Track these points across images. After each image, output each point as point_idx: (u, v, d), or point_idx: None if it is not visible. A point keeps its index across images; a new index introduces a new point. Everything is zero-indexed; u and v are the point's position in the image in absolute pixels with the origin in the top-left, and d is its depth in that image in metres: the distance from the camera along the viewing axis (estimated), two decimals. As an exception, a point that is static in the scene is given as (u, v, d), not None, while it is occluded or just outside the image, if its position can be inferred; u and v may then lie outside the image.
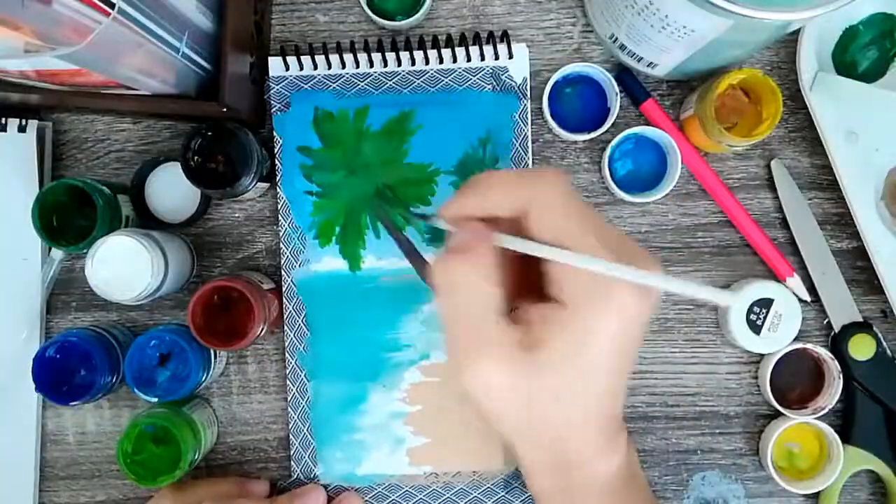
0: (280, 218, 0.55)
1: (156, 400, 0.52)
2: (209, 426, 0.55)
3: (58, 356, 0.52)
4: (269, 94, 0.55)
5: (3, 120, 0.55)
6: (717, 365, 0.56)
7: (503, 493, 0.55)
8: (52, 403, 0.56)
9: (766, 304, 0.53)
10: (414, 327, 0.55)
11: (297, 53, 0.55)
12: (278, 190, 0.55)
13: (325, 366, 0.55)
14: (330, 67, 0.55)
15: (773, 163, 0.55)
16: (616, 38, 0.52)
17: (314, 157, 0.55)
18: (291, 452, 0.56)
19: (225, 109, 0.49)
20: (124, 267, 0.49)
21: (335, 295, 0.55)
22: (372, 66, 0.55)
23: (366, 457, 0.55)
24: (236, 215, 0.57)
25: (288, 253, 0.55)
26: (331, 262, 0.55)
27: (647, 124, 0.54)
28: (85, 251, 0.51)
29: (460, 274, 0.36)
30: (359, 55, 0.55)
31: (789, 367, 0.54)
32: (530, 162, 0.55)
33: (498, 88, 0.55)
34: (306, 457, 0.55)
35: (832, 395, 0.53)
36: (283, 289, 0.55)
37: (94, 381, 0.51)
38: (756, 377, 0.56)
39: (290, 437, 0.55)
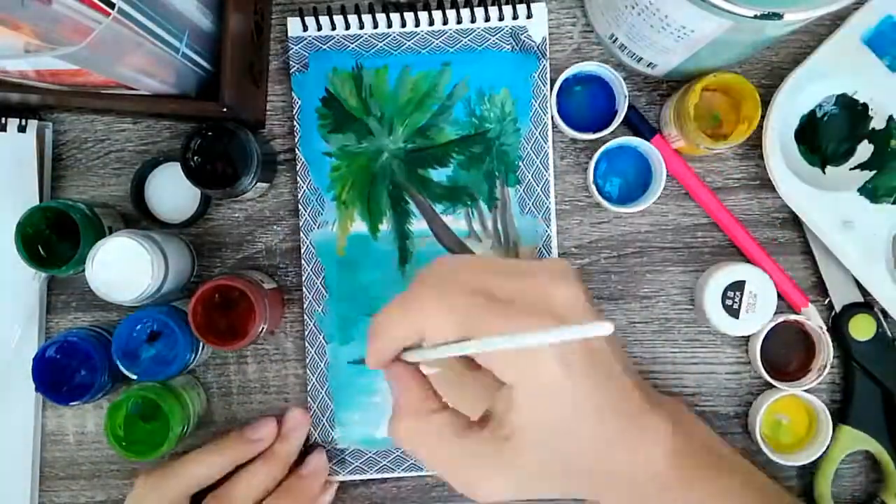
0: (298, 179, 0.55)
1: (135, 378, 0.51)
2: (192, 388, 0.55)
3: (58, 356, 0.52)
4: (288, 54, 0.55)
5: (3, 120, 0.55)
6: (717, 365, 0.56)
7: None
8: (52, 403, 0.56)
9: (738, 286, 0.53)
10: None
11: (316, 14, 0.55)
12: (297, 151, 0.55)
13: (344, 328, 0.55)
14: (348, 28, 0.55)
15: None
16: (616, 38, 0.52)
17: (332, 118, 0.55)
18: (310, 416, 0.55)
19: (225, 109, 0.49)
20: (124, 268, 0.49)
21: (354, 257, 0.55)
22: (390, 26, 0.55)
23: (383, 420, 0.55)
24: (236, 215, 0.57)
25: (306, 214, 0.55)
26: (350, 224, 0.55)
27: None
28: (72, 272, 0.51)
29: (408, 431, 0.37)
30: (377, 15, 0.55)
31: (778, 341, 0.54)
32: (549, 122, 0.55)
33: (517, 48, 0.55)
34: (324, 420, 0.55)
35: (826, 354, 0.53)
36: (302, 251, 0.55)
37: (94, 381, 0.51)
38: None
39: (308, 400, 0.56)
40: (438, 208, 0.55)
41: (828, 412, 0.53)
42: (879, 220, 0.52)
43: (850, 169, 0.54)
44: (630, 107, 0.54)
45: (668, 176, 0.54)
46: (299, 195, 0.55)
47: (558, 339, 0.30)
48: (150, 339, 0.52)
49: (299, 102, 0.55)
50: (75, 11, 0.39)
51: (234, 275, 0.53)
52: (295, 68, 0.55)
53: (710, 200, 0.55)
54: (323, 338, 0.55)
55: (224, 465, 0.52)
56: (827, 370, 0.53)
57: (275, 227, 0.57)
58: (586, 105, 0.55)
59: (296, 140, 0.55)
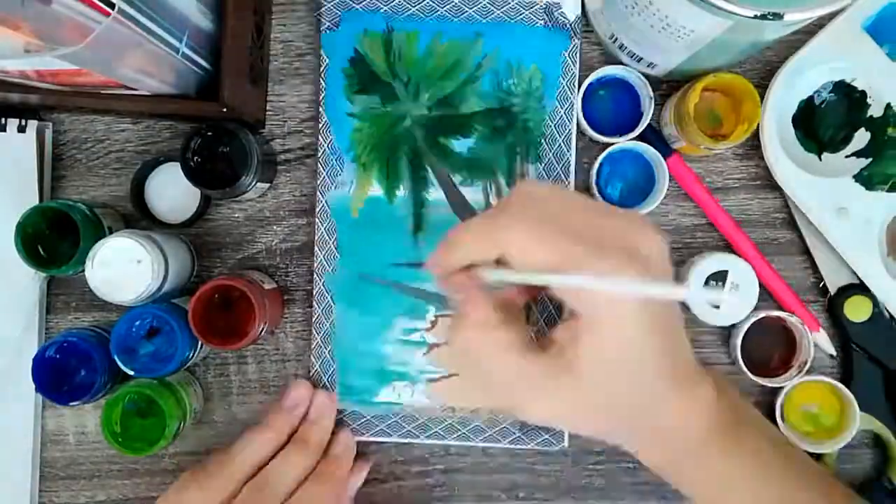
0: (320, 138, 0.55)
1: (133, 374, 0.51)
2: (188, 384, 0.55)
3: (58, 356, 0.52)
4: (320, 11, 0.55)
5: (3, 120, 0.55)
6: (716, 365, 0.56)
7: (519, 434, 0.55)
8: (52, 403, 0.56)
9: (721, 276, 0.53)
10: None
11: None
12: (320, 110, 0.55)
13: (352, 290, 0.55)
14: None
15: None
16: (616, 38, 0.52)
17: (358, 79, 0.55)
18: (310, 374, 0.55)
19: (225, 109, 0.49)
20: (124, 268, 0.49)
21: (369, 219, 0.55)
22: None
23: (384, 384, 0.55)
24: (236, 215, 0.57)
25: (325, 174, 0.55)
26: (367, 186, 0.55)
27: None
28: (72, 272, 0.51)
29: (472, 342, 0.37)
30: None
31: (760, 337, 0.54)
32: (577, 103, 0.54)
33: (550, 24, 0.55)
34: (325, 379, 0.55)
35: (808, 352, 0.53)
36: (316, 209, 0.55)
37: (94, 381, 0.51)
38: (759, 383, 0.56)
39: (311, 358, 0.55)
40: (457, 179, 0.55)
41: (856, 402, 0.53)
42: (874, 208, 0.52)
43: (847, 156, 0.54)
44: (646, 126, 0.54)
45: (670, 178, 0.54)
46: (319, 153, 0.55)
47: (647, 293, 0.33)
48: (149, 336, 0.52)
49: (327, 61, 0.55)
50: (75, 11, 0.39)
51: (235, 275, 0.53)
52: (326, 26, 0.55)
53: (725, 222, 0.55)
54: (331, 298, 0.55)
55: (274, 442, 0.51)
56: (808, 366, 0.53)
57: (275, 227, 0.57)
58: (609, 108, 0.55)
59: (320, 98, 0.55)
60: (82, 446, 0.57)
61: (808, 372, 0.54)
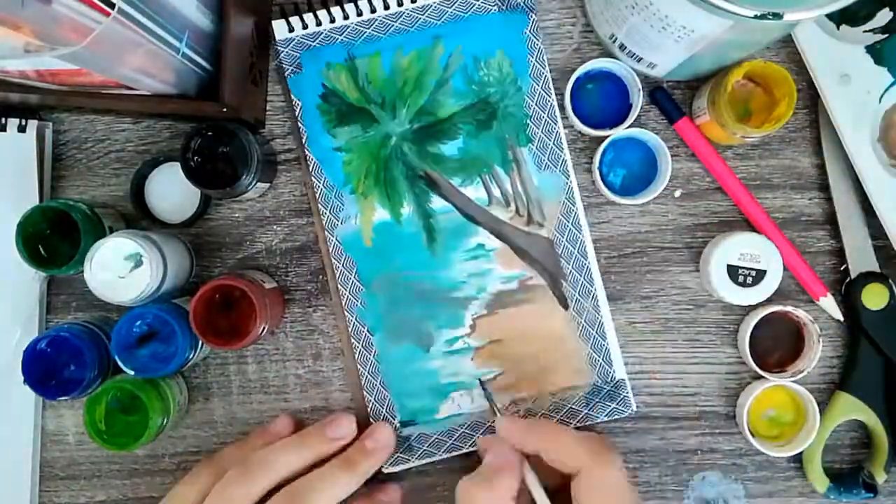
0: (313, 180, 0.55)
1: (132, 374, 0.51)
2: (172, 378, 0.55)
3: (48, 350, 0.52)
4: (279, 57, 0.55)
5: (3, 120, 0.55)
6: (717, 365, 0.56)
7: (586, 411, 0.54)
8: (52, 403, 0.56)
9: (748, 257, 0.53)
10: (465, 263, 0.55)
11: (299, 12, 0.55)
12: (306, 152, 0.55)
13: (386, 317, 0.55)
14: (334, 21, 0.55)
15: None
16: (616, 38, 0.52)
17: (335, 113, 0.55)
18: (368, 409, 0.55)
19: (225, 109, 0.49)
20: (122, 269, 0.49)
21: (382, 245, 0.55)
22: (374, 11, 0.55)
23: (442, 399, 0.55)
24: (236, 215, 0.57)
25: (328, 213, 0.55)
26: (372, 213, 0.55)
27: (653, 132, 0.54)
28: (72, 272, 0.51)
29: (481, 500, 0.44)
30: (360, 2, 0.55)
31: (769, 330, 0.55)
32: (549, 76, 0.55)
33: (504, 7, 0.55)
34: (384, 411, 0.55)
35: (811, 358, 0.53)
36: (330, 249, 0.55)
37: (84, 378, 0.51)
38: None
39: (364, 394, 0.55)
40: (455, 181, 0.55)
41: (815, 402, 0.53)
42: (876, 82, 0.52)
43: (865, 31, 0.53)
44: (659, 88, 0.54)
45: (672, 173, 0.54)
46: (317, 195, 0.55)
47: None
48: (150, 336, 0.52)
49: (300, 104, 0.55)
50: (75, 11, 0.39)
51: (236, 275, 0.53)
52: (289, 70, 0.55)
53: (737, 188, 0.55)
54: (367, 330, 0.55)
55: (308, 459, 0.50)
56: (815, 363, 0.53)
57: (275, 227, 0.57)
58: (599, 102, 0.55)
59: (303, 141, 0.55)
60: (82, 446, 0.57)
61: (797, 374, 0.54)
